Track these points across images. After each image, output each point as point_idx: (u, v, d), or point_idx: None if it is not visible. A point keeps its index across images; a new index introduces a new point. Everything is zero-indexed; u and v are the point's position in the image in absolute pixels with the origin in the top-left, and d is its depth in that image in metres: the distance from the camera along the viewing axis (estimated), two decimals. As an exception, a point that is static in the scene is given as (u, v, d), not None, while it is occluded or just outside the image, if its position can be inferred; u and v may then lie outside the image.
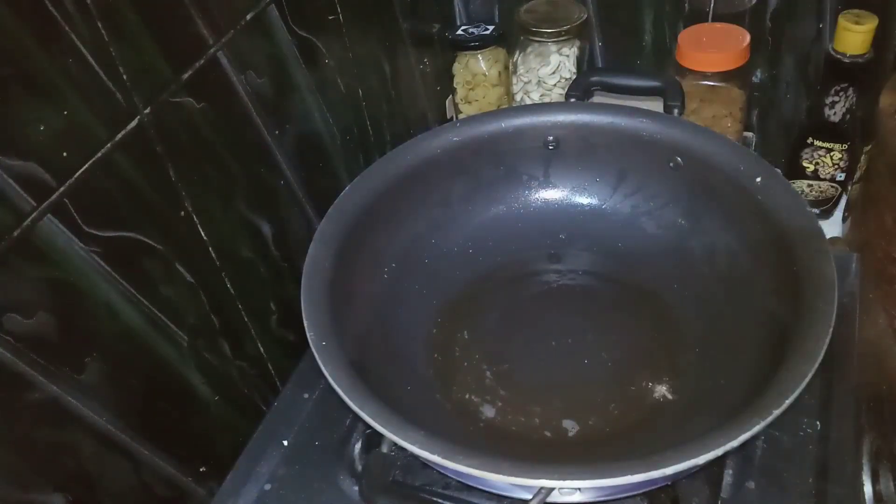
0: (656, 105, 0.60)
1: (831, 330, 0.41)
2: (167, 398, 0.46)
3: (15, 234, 0.35)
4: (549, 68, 0.73)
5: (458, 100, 0.76)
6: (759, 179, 0.51)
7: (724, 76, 0.65)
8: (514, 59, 0.76)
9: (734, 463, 0.46)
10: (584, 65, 0.75)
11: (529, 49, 0.74)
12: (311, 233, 0.51)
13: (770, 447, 0.48)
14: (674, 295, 0.55)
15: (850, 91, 0.64)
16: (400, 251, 0.56)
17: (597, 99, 0.67)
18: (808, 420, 0.49)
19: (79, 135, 0.37)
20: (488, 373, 0.52)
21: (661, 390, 0.49)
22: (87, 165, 0.38)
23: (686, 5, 0.71)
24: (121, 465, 0.43)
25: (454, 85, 0.75)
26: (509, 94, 0.76)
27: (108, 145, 0.39)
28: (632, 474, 0.36)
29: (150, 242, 0.43)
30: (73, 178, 0.37)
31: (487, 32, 0.72)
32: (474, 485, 0.44)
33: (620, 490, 0.43)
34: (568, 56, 0.73)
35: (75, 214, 0.37)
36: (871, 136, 0.66)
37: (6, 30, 0.33)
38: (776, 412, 0.38)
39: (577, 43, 0.73)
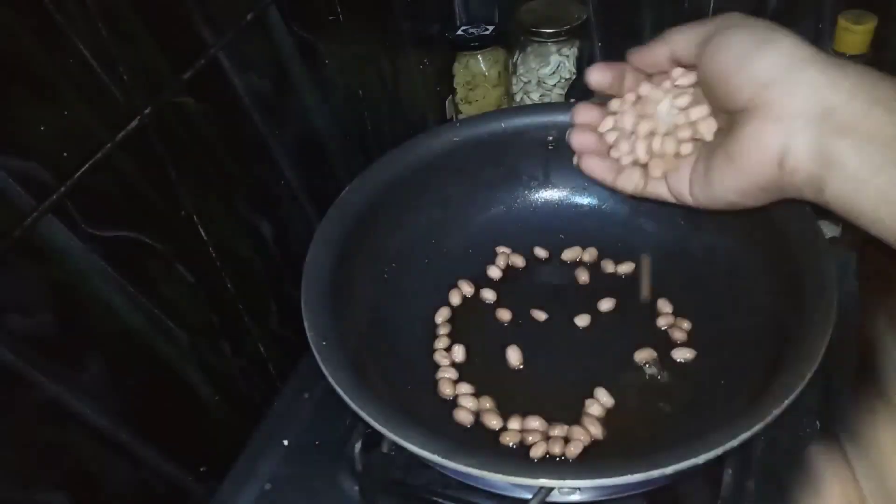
0: (656, 105, 0.60)
1: (831, 330, 0.41)
2: (167, 398, 0.47)
3: (15, 233, 0.35)
4: (549, 68, 0.73)
5: (457, 100, 0.76)
6: (758, 179, 0.51)
7: (724, 76, 0.65)
8: (514, 59, 0.76)
9: (734, 463, 0.47)
10: (584, 65, 0.75)
11: (529, 49, 0.74)
12: (311, 233, 0.51)
13: (770, 447, 0.48)
14: (673, 295, 0.55)
15: (850, 91, 0.63)
16: (400, 251, 0.56)
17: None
18: (807, 420, 0.49)
19: (79, 135, 0.37)
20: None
21: (661, 390, 0.49)
22: (87, 165, 0.38)
23: (686, 5, 0.71)
24: (121, 465, 0.43)
25: (454, 85, 0.75)
26: (509, 95, 0.76)
27: (109, 145, 0.39)
28: (631, 474, 0.37)
29: (151, 242, 0.43)
30: (73, 178, 0.37)
31: (487, 33, 0.72)
32: (474, 484, 0.44)
33: (620, 490, 0.43)
34: (568, 56, 0.73)
35: (76, 214, 0.37)
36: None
37: (6, 30, 0.33)
38: (776, 412, 0.38)
39: (577, 43, 0.73)
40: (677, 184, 0.43)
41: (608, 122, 0.45)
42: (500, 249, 0.60)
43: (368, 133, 0.66)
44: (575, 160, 0.47)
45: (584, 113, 0.46)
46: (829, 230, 0.70)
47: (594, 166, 0.46)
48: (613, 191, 0.46)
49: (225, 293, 0.50)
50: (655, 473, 0.37)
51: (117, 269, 0.41)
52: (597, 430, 0.47)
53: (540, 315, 0.55)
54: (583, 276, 0.58)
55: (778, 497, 0.46)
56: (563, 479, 0.38)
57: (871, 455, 0.31)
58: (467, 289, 0.57)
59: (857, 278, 0.58)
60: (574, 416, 0.48)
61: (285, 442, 0.52)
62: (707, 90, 0.41)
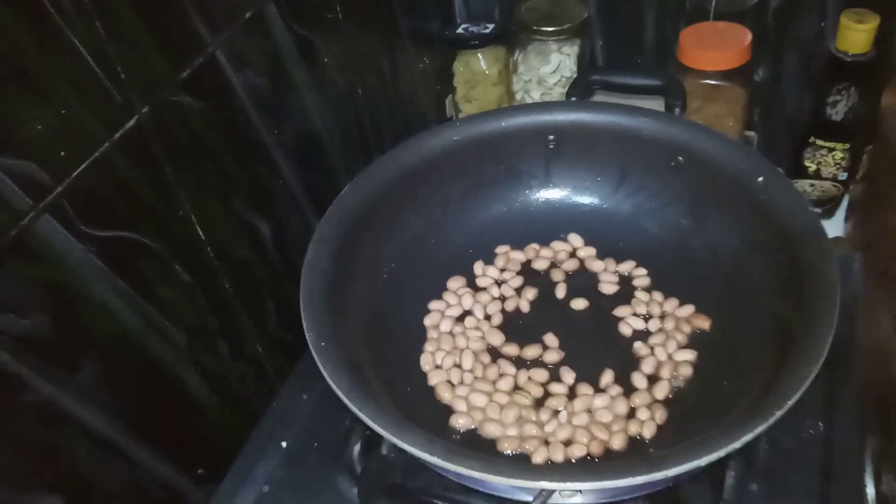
0: (657, 104, 0.59)
1: (834, 330, 0.41)
2: (164, 399, 0.46)
3: (12, 233, 0.34)
4: (550, 67, 0.73)
5: (458, 99, 0.76)
6: (761, 179, 0.51)
7: (726, 75, 0.65)
8: (515, 57, 0.75)
9: (736, 464, 0.46)
10: (585, 63, 0.75)
11: (530, 47, 0.74)
12: (310, 233, 0.50)
13: (773, 449, 0.47)
14: (675, 295, 0.54)
15: (853, 90, 0.63)
16: (400, 251, 0.56)
17: (598, 98, 0.66)
18: (810, 421, 0.49)
19: (76, 134, 0.37)
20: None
21: (663, 391, 0.49)
22: (84, 165, 0.38)
23: (687, 3, 0.71)
24: (117, 467, 0.43)
25: (454, 84, 0.75)
26: (510, 93, 0.76)
27: (106, 144, 0.39)
28: (633, 476, 0.36)
29: (148, 242, 0.43)
30: (70, 178, 0.37)
31: (488, 31, 0.72)
32: (474, 487, 0.44)
33: (622, 492, 0.42)
34: (569, 55, 0.73)
35: (72, 214, 0.37)
36: (874, 135, 0.66)
37: (3, 28, 0.33)
38: (778, 413, 0.37)
39: (578, 41, 0.73)
40: None
41: None
42: (500, 249, 0.59)
43: (368, 132, 0.66)
44: None
45: None
46: (832, 230, 0.70)
47: None
48: None
49: (223, 294, 0.50)
50: (657, 475, 0.36)
51: (114, 270, 0.40)
52: (601, 433, 0.46)
53: (540, 316, 0.55)
54: (584, 277, 0.57)
55: (781, 499, 0.45)
56: (565, 481, 0.37)
57: None
58: (466, 289, 0.57)
59: (860, 278, 0.57)
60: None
61: (284, 444, 0.52)
62: None
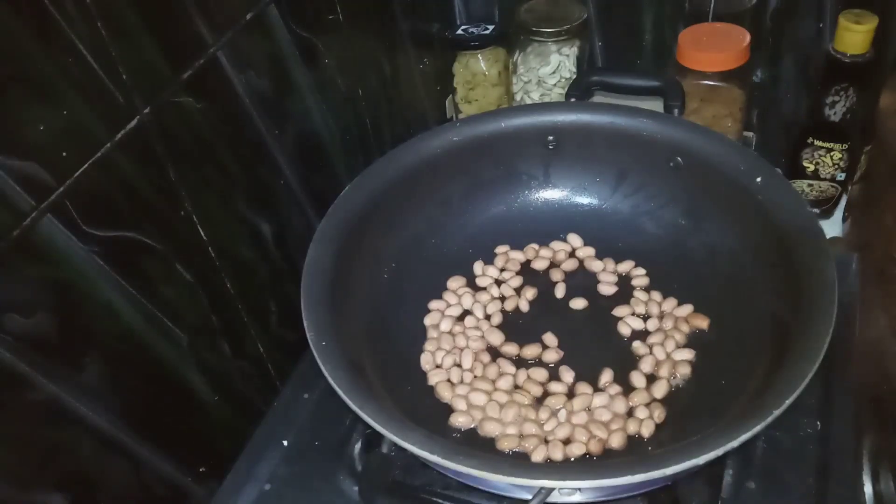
0: (656, 105, 0.60)
1: (831, 330, 0.41)
2: (167, 398, 0.46)
3: (15, 233, 0.35)
4: (549, 68, 0.73)
5: (458, 99, 0.76)
6: (759, 179, 0.51)
7: (725, 76, 0.65)
8: (514, 58, 0.76)
9: (734, 463, 0.46)
10: (585, 64, 0.75)
11: (529, 49, 0.74)
12: (311, 233, 0.51)
13: (770, 447, 0.48)
14: (674, 295, 0.55)
15: (851, 91, 0.64)
16: (400, 251, 0.56)
17: (597, 99, 0.67)
18: (808, 420, 0.49)
19: (79, 135, 0.37)
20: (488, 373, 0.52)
21: (662, 390, 0.49)
22: (86, 165, 0.38)
23: (686, 5, 0.71)
24: (120, 465, 0.43)
25: (454, 85, 0.75)
26: (509, 94, 0.76)
27: (108, 145, 0.39)
28: (632, 474, 0.36)
29: (150, 242, 0.43)
30: (72, 178, 0.37)
31: (487, 32, 0.72)
32: (474, 485, 0.44)
33: (620, 490, 0.43)
34: (568, 56, 0.73)
35: (75, 214, 0.37)
36: (872, 135, 0.66)
37: (6, 30, 0.33)
38: (776, 412, 0.38)
39: (578, 42, 0.73)
40: None
41: None
42: (500, 249, 0.60)
43: (368, 133, 0.66)
44: None
45: None
46: (830, 230, 0.70)
47: None
48: None
49: (224, 293, 0.50)
50: (655, 474, 0.37)
51: (117, 270, 0.41)
52: (600, 431, 0.47)
53: (539, 315, 0.55)
54: (583, 276, 0.58)
55: (778, 497, 0.46)
56: (564, 479, 0.38)
57: None
58: (466, 289, 0.57)
59: (857, 278, 0.57)
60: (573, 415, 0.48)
61: (285, 442, 0.52)
62: None
